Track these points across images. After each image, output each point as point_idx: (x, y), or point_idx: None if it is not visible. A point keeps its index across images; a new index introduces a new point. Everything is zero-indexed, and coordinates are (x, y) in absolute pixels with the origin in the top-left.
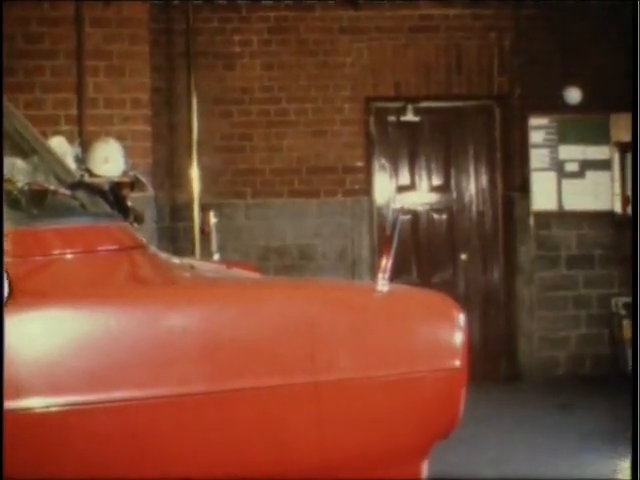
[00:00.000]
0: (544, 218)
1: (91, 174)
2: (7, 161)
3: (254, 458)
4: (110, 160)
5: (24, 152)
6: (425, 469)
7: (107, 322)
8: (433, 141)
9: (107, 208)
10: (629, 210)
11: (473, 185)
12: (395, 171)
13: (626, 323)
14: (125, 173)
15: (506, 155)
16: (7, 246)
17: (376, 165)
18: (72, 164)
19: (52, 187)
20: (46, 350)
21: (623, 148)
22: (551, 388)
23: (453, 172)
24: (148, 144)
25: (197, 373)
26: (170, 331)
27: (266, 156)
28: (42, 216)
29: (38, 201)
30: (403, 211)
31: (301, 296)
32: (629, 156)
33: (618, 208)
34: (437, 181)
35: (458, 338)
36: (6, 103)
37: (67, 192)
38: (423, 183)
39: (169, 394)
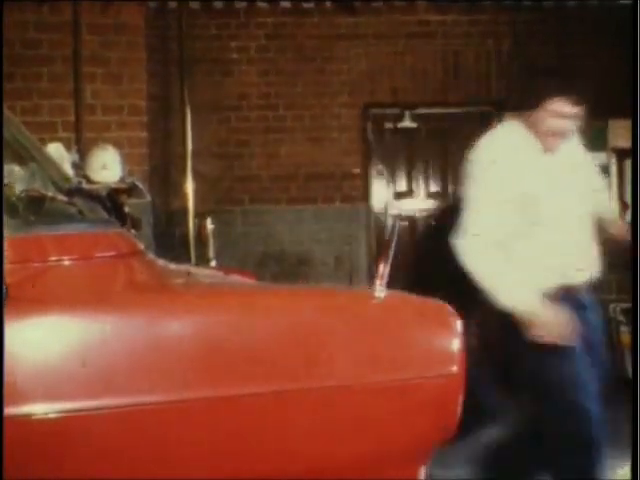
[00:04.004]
0: None
1: (89, 180)
2: (5, 168)
3: (252, 463)
4: (108, 167)
5: (22, 159)
6: (423, 475)
7: (104, 328)
8: (430, 147)
9: (104, 214)
10: (627, 216)
11: None
12: (393, 177)
13: (624, 329)
14: (122, 179)
15: None
16: (5, 252)
17: (374, 171)
18: (70, 170)
19: (49, 193)
20: (43, 357)
21: (621, 154)
22: None
23: (450, 178)
24: (145, 150)
25: (195, 379)
26: (168, 337)
27: (263, 162)
28: (39, 222)
29: (35, 207)
30: (401, 217)
31: (298, 302)
32: (627, 162)
33: (616, 214)
34: (435, 187)
35: (455, 344)
36: (4, 110)
37: (64, 198)
38: (420, 189)
39: (167, 400)
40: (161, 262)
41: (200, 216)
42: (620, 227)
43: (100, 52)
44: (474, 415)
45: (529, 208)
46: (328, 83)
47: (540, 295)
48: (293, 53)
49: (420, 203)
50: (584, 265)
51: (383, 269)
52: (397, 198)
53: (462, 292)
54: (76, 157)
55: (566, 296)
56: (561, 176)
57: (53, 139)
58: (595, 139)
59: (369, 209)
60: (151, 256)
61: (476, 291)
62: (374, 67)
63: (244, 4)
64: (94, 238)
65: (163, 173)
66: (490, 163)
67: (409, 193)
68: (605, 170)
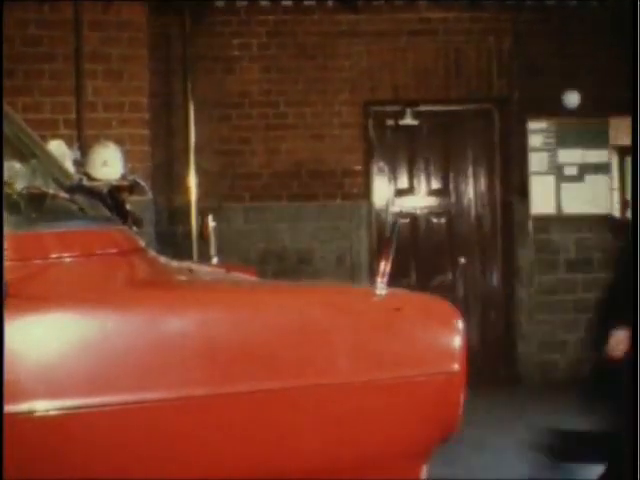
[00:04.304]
0: (543, 222)
1: (90, 178)
2: (6, 165)
3: (253, 460)
4: (109, 164)
5: (23, 156)
6: (425, 473)
7: (106, 325)
8: (432, 145)
9: (106, 212)
10: (628, 214)
11: (472, 189)
12: (394, 175)
13: None
14: (124, 177)
15: (505, 159)
16: (6, 250)
17: (375, 169)
18: (71, 168)
19: (51, 191)
20: (45, 354)
21: (622, 152)
22: (550, 391)
23: (452, 176)
24: (146, 148)
25: (196, 376)
26: (169, 334)
27: (265, 160)
28: (41, 220)
29: (37, 205)
30: (402, 215)
31: (300, 300)
32: (628, 160)
33: (617, 212)
34: (436, 185)
35: (457, 342)
36: (5, 107)
37: (66, 196)
38: (422, 187)
39: (169, 397)
40: (162, 259)
41: (202, 213)
42: None
43: (101, 49)
44: None
45: None
46: (329, 80)
47: None
48: (294, 50)
49: (421, 200)
50: None
51: (384, 266)
52: (398, 195)
53: None
54: (77, 154)
55: None
56: None
57: (55, 136)
58: (596, 137)
59: (370, 206)
60: (152, 253)
61: None
62: (375, 64)
63: (245, 2)
64: (95, 235)
65: (165, 170)
66: None
67: (410, 190)
68: (606, 168)
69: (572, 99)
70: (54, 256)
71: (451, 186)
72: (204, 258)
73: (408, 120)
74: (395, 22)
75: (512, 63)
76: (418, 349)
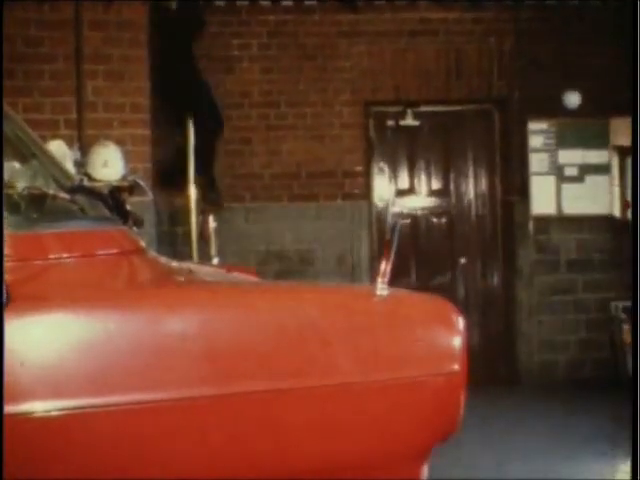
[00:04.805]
0: (543, 222)
1: (90, 178)
2: (6, 165)
3: (253, 461)
4: (109, 164)
5: (23, 156)
6: (425, 472)
7: (106, 326)
8: (432, 145)
9: (106, 212)
10: (628, 214)
11: (472, 189)
12: (394, 175)
13: (625, 327)
14: (124, 177)
15: (505, 159)
16: (6, 250)
17: (375, 169)
18: (71, 168)
19: (51, 191)
20: (45, 354)
21: (622, 152)
22: (550, 392)
23: (452, 176)
24: (147, 148)
25: (197, 377)
26: (169, 335)
27: (265, 160)
28: (41, 220)
29: (37, 205)
30: (402, 215)
31: (300, 300)
32: (629, 160)
33: (617, 212)
34: (436, 185)
35: (457, 342)
36: (5, 107)
37: (66, 196)
38: (422, 187)
39: (169, 398)
40: (163, 260)
41: (202, 214)
42: None
43: (102, 49)
44: None
45: None
46: (330, 81)
47: None
48: (295, 51)
49: (422, 201)
50: None
51: (385, 267)
52: (399, 196)
53: None
54: (78, 155)
55: None
56: None
57: (55, 137)
58: (597, 137)
59: (371, 207)
60: (153, 254)
61: None
62: (376, 65)
63: (246, 2)
64: (96, 236)
65: (166, 171)
66: None
67: (411, 191)
68: (607, 168)
69: (572, 99)
70: (54, 256)
71: (451, 186)
72: (205, 258)
73: (409, 120)
74: (396, 22)
75: (512, 63)
76: (418, 349)
